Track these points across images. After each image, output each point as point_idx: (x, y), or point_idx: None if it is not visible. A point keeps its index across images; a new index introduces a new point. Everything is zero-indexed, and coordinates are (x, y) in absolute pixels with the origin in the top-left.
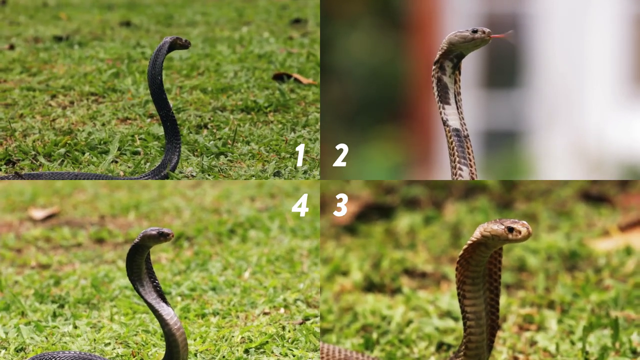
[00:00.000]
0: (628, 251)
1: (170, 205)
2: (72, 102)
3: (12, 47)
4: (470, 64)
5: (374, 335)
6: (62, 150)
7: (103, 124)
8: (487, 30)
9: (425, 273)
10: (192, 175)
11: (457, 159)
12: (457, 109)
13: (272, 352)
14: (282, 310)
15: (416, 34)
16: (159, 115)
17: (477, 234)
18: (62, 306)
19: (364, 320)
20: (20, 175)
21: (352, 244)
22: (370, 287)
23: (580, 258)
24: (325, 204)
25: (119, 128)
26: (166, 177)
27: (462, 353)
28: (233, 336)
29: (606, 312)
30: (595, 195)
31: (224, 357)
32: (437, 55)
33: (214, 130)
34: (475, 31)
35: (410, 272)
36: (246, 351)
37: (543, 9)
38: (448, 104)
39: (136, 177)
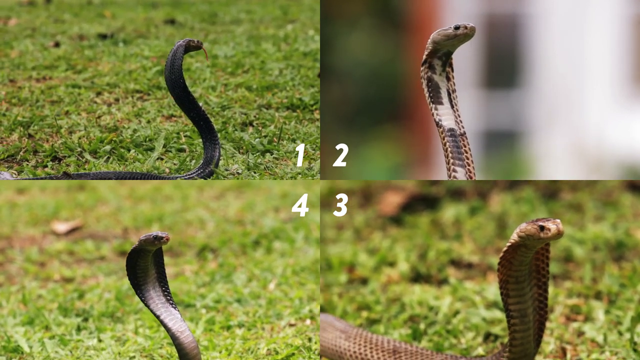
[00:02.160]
0: None
1: (193, 217)
2: (117, 100)
3: (57, 45)
4: (470, 64)
5: (422, 326)
6: (108, 147)
7: (148, 121)
8: (469, 25)
9: (471, 264)
10: (238, 173)
11: (452, 160)
12: (452, 107)
13: None
14: (308, 321)
15: (416, 34)
16: (189, 117)
17: (514, 236)
18: (86, 319)
19: (412, 311)
20: (70, 175)
21: (398, 235)
22: (417, 277)
23: (627, 248)
24: (371, 197)
25: (164, 125)
26: (211, 174)
27: (507, 349)
28: (259, 348)
29: None
30: None
31: None
32: (424, 56)
33: (260, 128)
34: (457, 27)
35: (456, 263)
36: None
37: (543, 9)
38: (441, 103)
39: (182, 175)
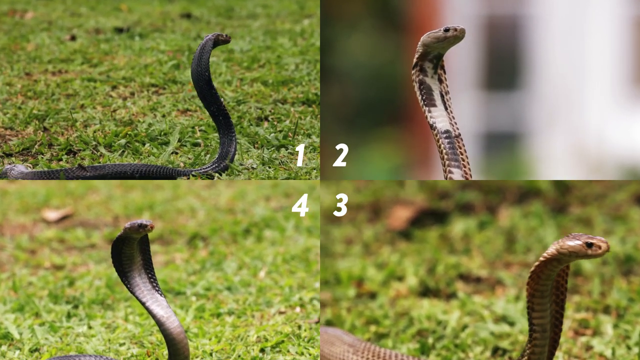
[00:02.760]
0: None
1: (184, 206)
2: (132, 93)
3: (73, 38)
4: (470, 65)
5: (430, 340)
6: (123, 141)
7: (163, 115)
8: (459, 27)
9: (480, 278)
10: (253, 167)
11: (447, 161)
12: (446, 109)
13: (288, 351)
14: (297, 309)
15: (416, 35)
16: (209, 111)
17: (552, 251)
18: (76, 307)
19: (420, 325)
20: (84, 168)
21: (407, 249)
22: (425, 292)
23: (636, 262)
24: (380, 211)
25: (179, 119)
26: (226, 168)
27: None
28: (249, 335)
29: None
30: None
31: (239, 356)
32: (415, 59)
33: (275, 123)
34: (447, 29)
35: (465, 277)
36: (262, 350)
37: (543, 10)
38: (434, 105)
39: (197, 169)
